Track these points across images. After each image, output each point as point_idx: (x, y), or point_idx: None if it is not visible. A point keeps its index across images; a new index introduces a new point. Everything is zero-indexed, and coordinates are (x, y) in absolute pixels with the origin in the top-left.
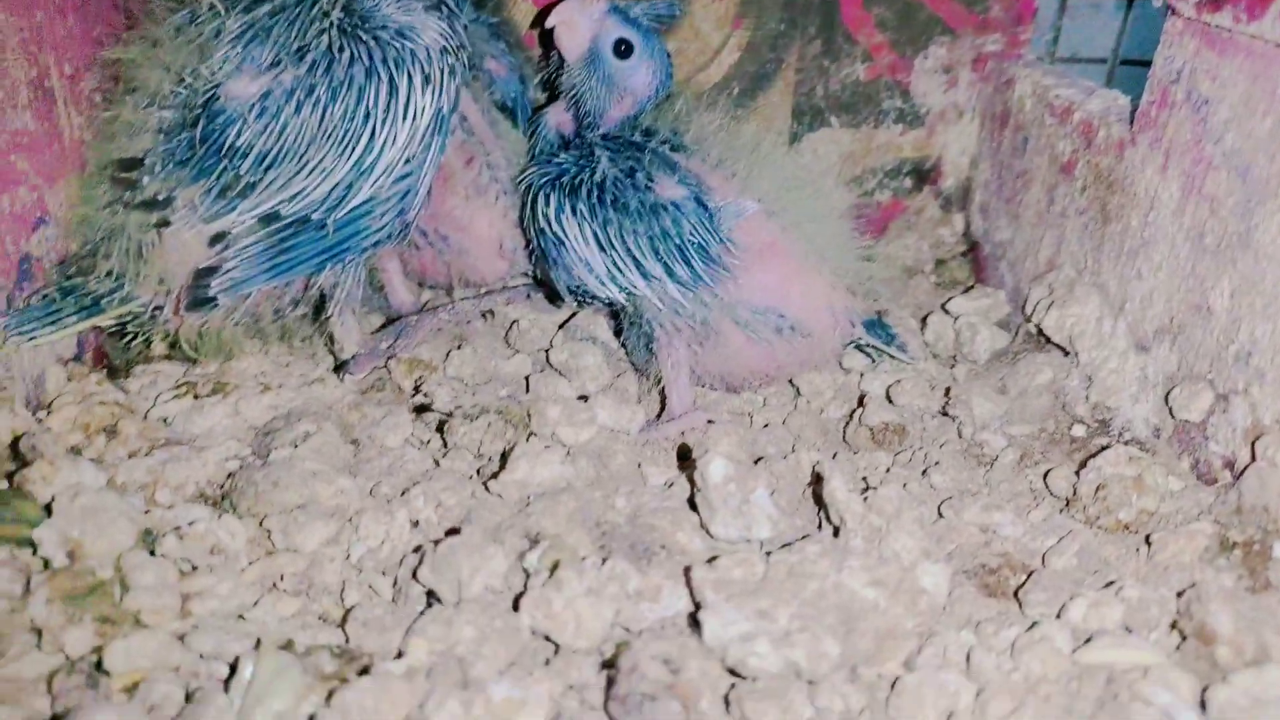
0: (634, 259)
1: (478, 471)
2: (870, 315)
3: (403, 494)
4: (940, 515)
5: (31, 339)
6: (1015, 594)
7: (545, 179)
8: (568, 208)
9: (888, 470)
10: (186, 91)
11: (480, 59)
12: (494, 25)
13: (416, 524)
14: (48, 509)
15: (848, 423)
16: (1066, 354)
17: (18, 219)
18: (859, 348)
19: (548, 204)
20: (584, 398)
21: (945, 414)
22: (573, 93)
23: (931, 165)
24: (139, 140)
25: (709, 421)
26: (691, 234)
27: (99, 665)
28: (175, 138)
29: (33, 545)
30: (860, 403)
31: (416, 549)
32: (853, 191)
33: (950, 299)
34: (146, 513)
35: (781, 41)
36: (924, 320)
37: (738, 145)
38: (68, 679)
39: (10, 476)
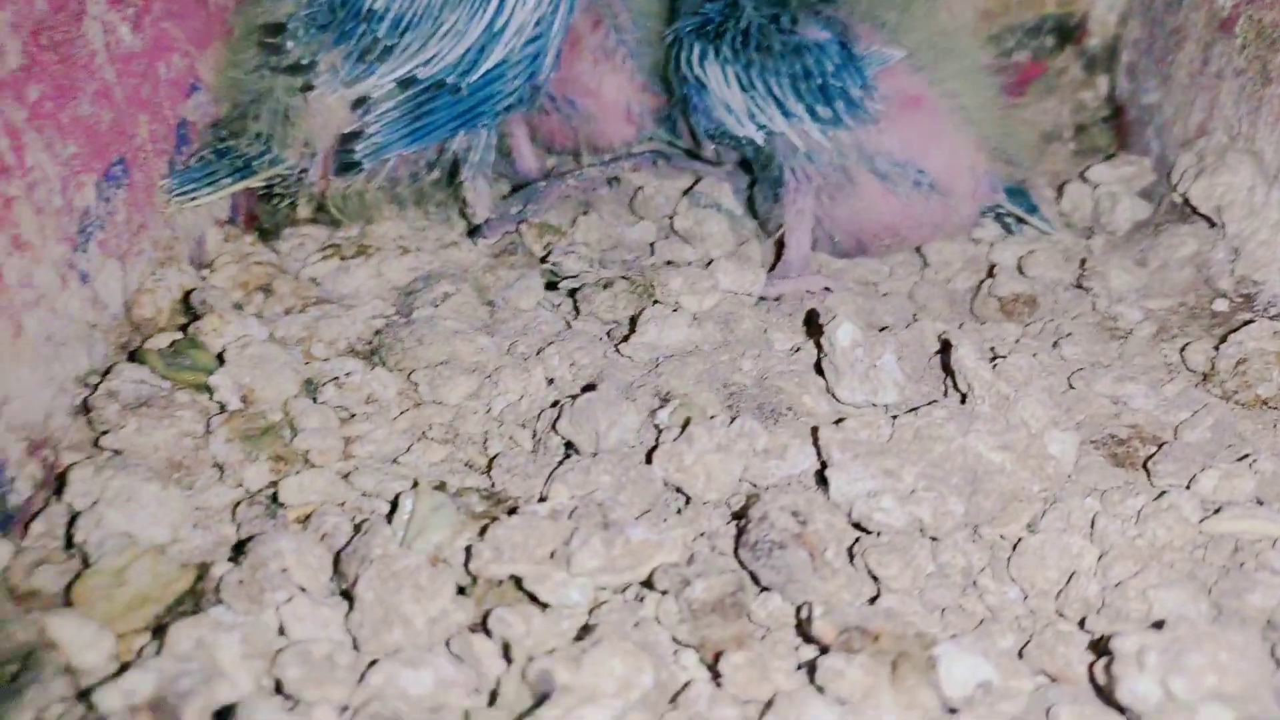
0: (775, 98)
1: (608, 334)
2: (1012, 182)
3: (538, 353)
4: (1070, 386)
5: (193, 199)
6: (1144, 465)
7: (690, 27)
8: (711, 52)
9: (1016, 341)
10: None
11: None
12: None
13: (552, 381)
14: (220, 358)
15: (975, 294)
16: (1213, 225)
17: (173, 84)
18: (996, 216)
19: (691, 51)
20: (708, 263)
21: (1079, 286)
22: None
23: (1077, 23)
24: (282, 5)
25: (826, 289)
26: (834, 75)
27: (275, 498)
28: (316, 2)
29: (209, 390)
30: (990, 273)
31: (554, 404)
32: (990, 51)
33: (1090, 166)
34: (306, 364)
35: None
36: (1060, 189)
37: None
38: (249, 509)
39: (183, 328)
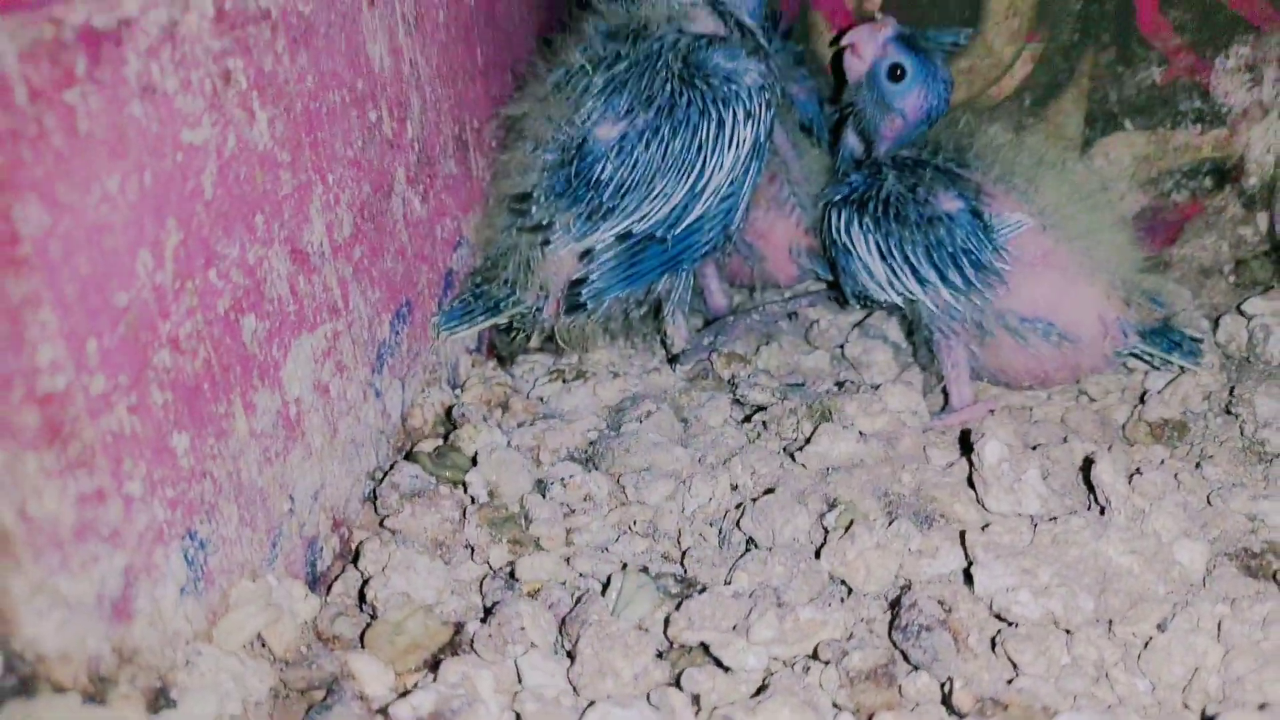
0: (911, 266)
1: (784, 448)
2: (1151, 323)
3: (724, 463)
4: (1208, 503)
5: (455, 333)
6: (1274, 576)
7: (838, 196)
8: (856, 221)
9: (1161, 462)
10: (564, 137)
11: (784, 84)
12: (797, 54)
13: (736, 487)
14: (473, 460)
15: (1128, 419)
16: None
17: (445, 242)
18: (1136, 355)
19: (839, 218)
20: (875, 387)
21: (1229, 412)
22: (852, 111)
23: (1234, 164)
24: (528, 177)
25: (990, 411)
26: (964, 243)
27: (512, 574)
28: (555, 174)
29: (465, 485)
30: (1142, 400)
31: (737, 506)
32: (1148, 194)
33: (1247, 299)
34: (537, 466)
35: (1075, 51)
36: (1216, 321)
37: (1019, 160)
38: (493, 581)
39: (445, 436)
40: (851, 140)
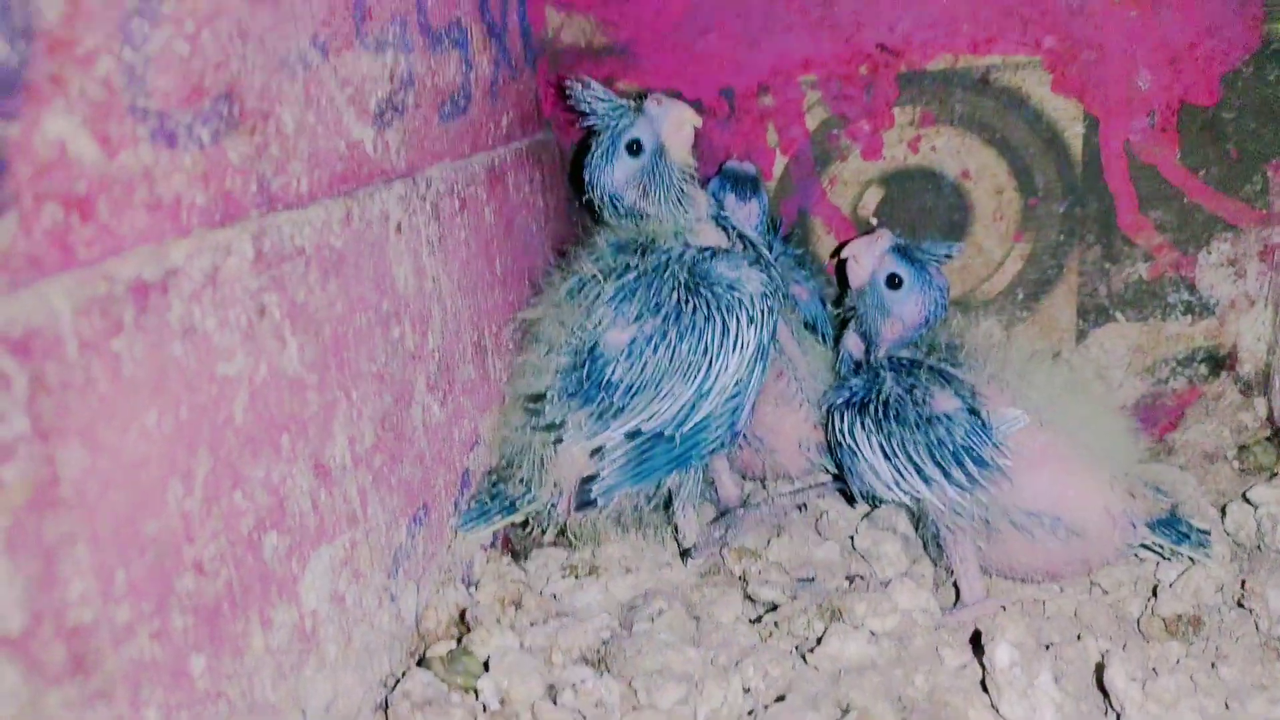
0: (915, 465)
1: (795, 648)
2: (1158, 514)
3: (736, 664)
4: (1226, 707)
5: (472, 533)
6: None
7: (840, 400)
8: (858, 423)
9: (1177, 661)
10: (577, 341)
11: (787, 285)
12: (798, 256)
13: (748, 690)
14: (485, 665)
15: (1142, 613)
16: None
17: (462, 443)
18: (1146, 547)
19: (842, 421)
20: (886, 584)
21: (1242, 605)
22: (854, 316)
23: (1227, 353)
24: (542, 378)
25: (1002, 607)
26: (964, 440)
27: None
28: (568, 376)
29: (476, 692)
30: (1154, 593)
31: (750, 712)
32: (1145, 381)
33: (1252, 486)
34: (549, 669)
35: (1062, 250)
36: (1224, 509)
37: (1011, 357)
38: None
39: (458, 639)
40: (851, 343)
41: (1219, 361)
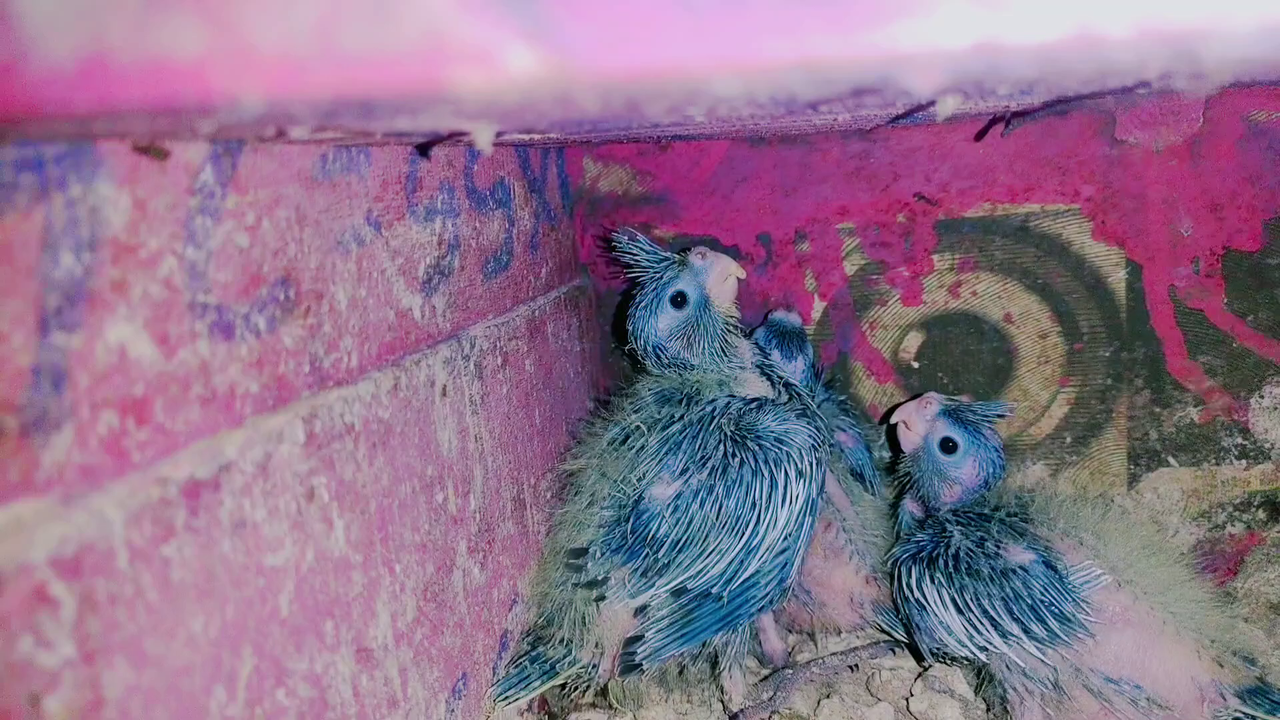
0: (991, 619)
1: None
2: (1247, 683)
3: None
4: None
5: (511, 703)
6: None
7: (906, 554)
8: (927, 577)
9: None
10: (620, 495)
11: (832, 432)
12: (842, 402)
13: None
14: None
15: None
16: None
17: (501, 603)
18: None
19: (909, 575)
20: None
21: None
22: (909, 479)
23: None
24: (584, 533)
25: None
26: (1043, 594)
27: None
28: (611, 531)
29: None
30: None
31: None
32: (1201, 526)
33: None
34: None
35: (1110, 394)
36: None
37: (1083, 514)
38: None
39: None
40: (911, 505)
41: (1277, 506)
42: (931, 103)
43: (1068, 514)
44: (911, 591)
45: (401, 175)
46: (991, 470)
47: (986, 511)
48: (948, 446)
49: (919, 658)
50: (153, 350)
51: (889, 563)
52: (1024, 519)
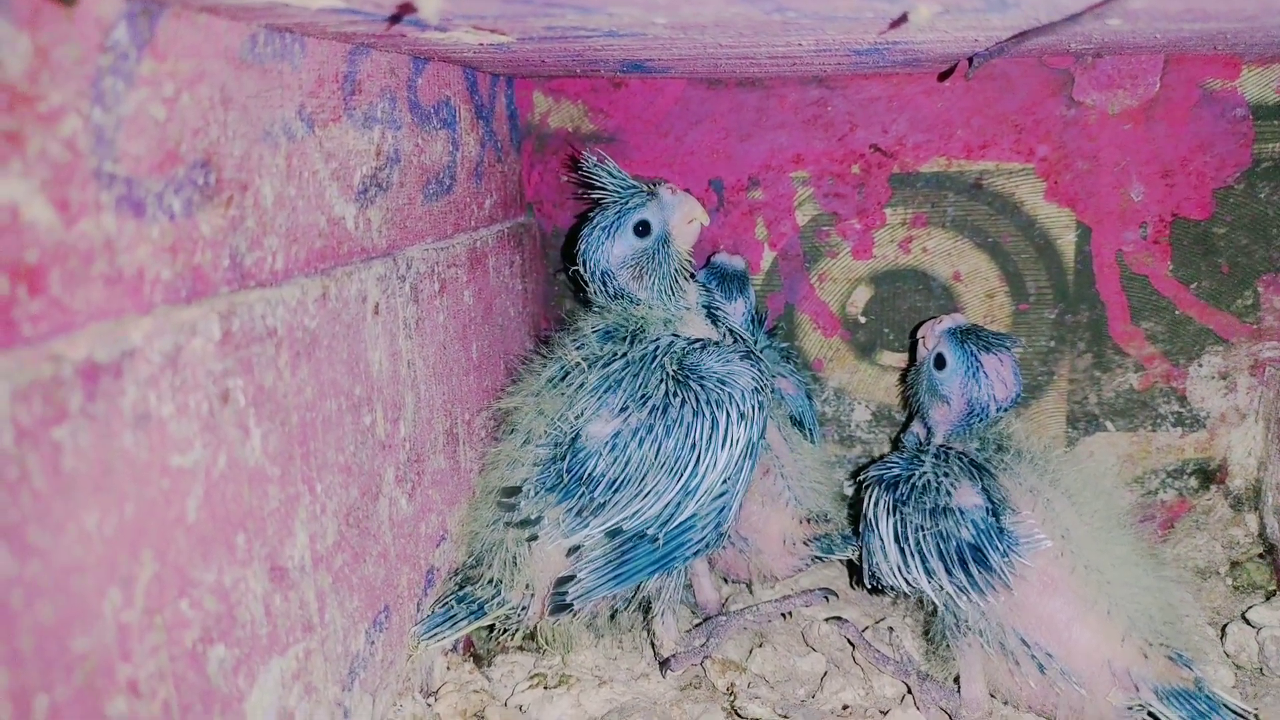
0: (921, 554)
1: None
2: (1174, 684)
3: None
4: None
5: (437, 640)
6: None
7: (875, 473)
8: (882, 500)
9: None
10: (557, 432)
11: (773, 379)
12: (784, 349)
13: None
14: None
15: None
16: None
17: (428, 539)
18: (1153, 716)
19: (871, 495)
20: (884, 713)
21: None
22: (911, 393)
23: (1216, 466)
24: (518, 471)
25: None
26: (974, 539)
27: None
28: (546, 469)
29: None
30: None
31: None
32: (1134, 491)
33: (1251, 607)
34: None
35: (1052, 357)
36: (1223, 630)
37: (1065, 475)
38: None
39: None
40: (916, 428)
41: (1209, 475)
42: (904, 17)
43: (1041, 470)
44: (866, 510)
45: (339, 74)
46: (976, 395)
47: (968, 449)
48: (939, 362)
49: (859, 580)
50: (50, 215)
51: (864, 479)
52: (999, 465)
